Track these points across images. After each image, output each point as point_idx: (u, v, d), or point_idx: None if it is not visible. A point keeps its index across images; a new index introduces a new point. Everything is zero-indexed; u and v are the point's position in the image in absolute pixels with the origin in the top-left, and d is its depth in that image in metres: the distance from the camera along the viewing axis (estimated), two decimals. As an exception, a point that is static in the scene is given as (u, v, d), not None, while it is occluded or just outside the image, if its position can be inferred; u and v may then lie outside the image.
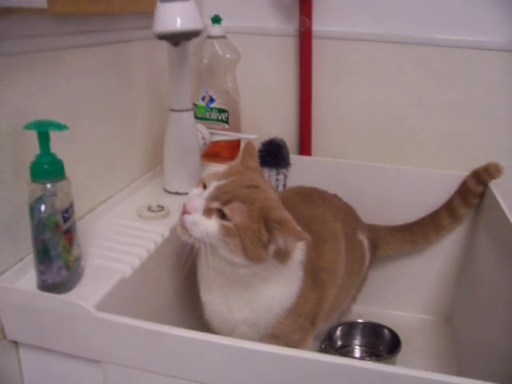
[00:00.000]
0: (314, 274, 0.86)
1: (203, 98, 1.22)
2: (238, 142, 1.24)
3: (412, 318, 1.30)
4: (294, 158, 1.30)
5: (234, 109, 1.23)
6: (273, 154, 1.25)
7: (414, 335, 1.21)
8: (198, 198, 0.74)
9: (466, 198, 1.17)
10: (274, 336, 0.83)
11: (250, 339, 0.82)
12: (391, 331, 1.13)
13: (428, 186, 1.23)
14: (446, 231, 1.21)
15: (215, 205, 0.73)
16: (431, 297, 1.30)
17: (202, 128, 1.09)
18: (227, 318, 0.81)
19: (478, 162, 1.18)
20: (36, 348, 0.66)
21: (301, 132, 1.33)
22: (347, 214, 1.11)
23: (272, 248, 0.74)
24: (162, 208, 0.91)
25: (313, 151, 1.35)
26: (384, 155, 1.32)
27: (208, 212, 0.73)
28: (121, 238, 0.82)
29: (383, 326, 1.15)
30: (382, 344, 1.14)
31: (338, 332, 1.15)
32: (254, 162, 0.85)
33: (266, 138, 1.26)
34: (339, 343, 1.16)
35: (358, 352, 1.16)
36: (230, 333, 0.83)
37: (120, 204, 0.94)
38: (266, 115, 1.36)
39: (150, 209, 0.91)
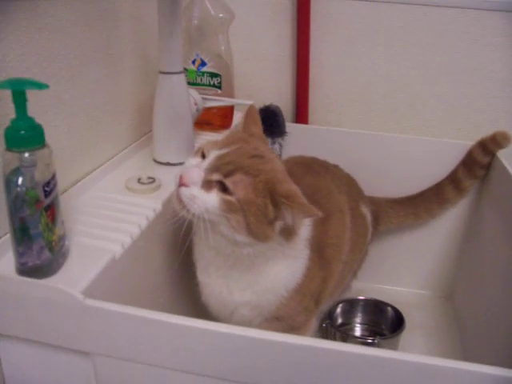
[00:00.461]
0: (319, 251, 0.80)
1: (194, 62, 1.12)
2: (231, 109, 1.16)
3: (412, 294, 1.25)
4: (290, 127, 1.23)
5: (227, 73, 1.14)
6: (268, 122, 1.18)
7: (415, 312, 1.17)
8: (196, 169, 0.66)
9: (472, 170, 1.12)
10: (278, 318, 0.77)
11: (250, 322, 0.77)
12: (394, 308, 1.09)
13: (431, 156, 1.17)
14: (450, 204, 1.16)
15: (216, 177, 0.65)
16: (432, 272, 1.25)
17: (193, 93, 1.00)
18: (227, 301, 0.74)
19: (485, 132, 1.13)
20: (17, 339, 0.58)
21: (297, 99, 1.25)
22: (350, 185, 1.04)
23: (278, 225, 0.67)
24: (152, 180, 0.83)
25: (310, 119, 1.27)
26: (385, 124, 1.25)
27: (207, 185, 0.65)
28: (109, 213, 0.74)
29: (385, 304, 1.10)
30: (385, 322, 1.09)
31: (339, 309, 1.10)
32: (258, 128, 0.77)
33: (260, 104, 1.19)
34: (339, 321, 1.11)
35: (358, 330, 1.12)
36: (229, 316, 0.77)
37: (106, 176, 0.86)
38: (261, 81, 1.28)
39: (139, 181, 0.83)
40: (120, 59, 0.91)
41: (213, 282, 0.75)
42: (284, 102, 1.26)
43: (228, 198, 0.64)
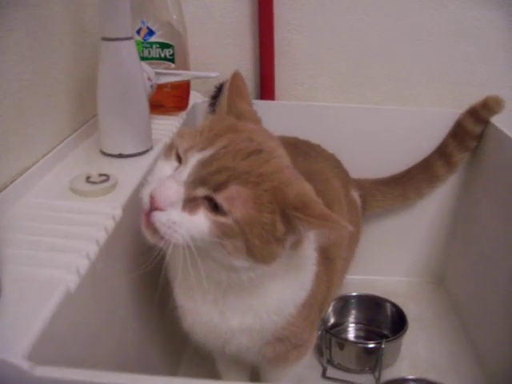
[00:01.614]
0: (323, 250, 0.65)
1: (138, 32, 0.93)
2: (187, 87, 0.98)
3: (400, 283, 1.14)
4: (255, 104, 1.05)
5: (180, 45, 0.95)
6: (229, 99, 1.01)
7: (408, 302, 1.06)
8: (172, 184, 0.48)
9: (463, 141, 1.00)
10: (281, 339, 0.62)
11: (248, 349, 0.61)
12: (392, 304, 0.96)
13: (415, 128, 1.06)
14: (440, 182, 1.04)
15: (202, 192, 0.48)
16: (420, 257, 1.15)
17: (145, 66, 0.81)
18: (220, 329, 0.58)
19: (470, 98, 1.02)
20: None
21: (261, 72, 1.09)
22: (338, 168, 0.89)
23: (290, 240, 0.51)
24: (106, 177, 0.65)
25: (276, 95, 1.11)
26: (361, 95, 1.11)
27: (191, 204, 0.48)
28: (53, 226, 0.55)
29: (383, 299, 0.97)
30: (383, 320, 0.96)
31: (330, 308, 0.96)
32: (246, 103, 0.60)
33: (218, 80, 1.02)
34: (332, 321, 0.97)
35: (352, 331, 0.98)
36: (221, 345, 0.60)
37: (44, 177, 0.66)
38: (218, 53, 1.10)
39: (89, 180, 0.64)
40: (49, 30, 0.70)
41: (200, 308, 0.58)
42: (246, 76, 1.08)
43: (221, 219, 0.48)
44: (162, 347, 0.75)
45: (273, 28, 1.05)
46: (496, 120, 0.97)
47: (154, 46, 0.93)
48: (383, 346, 0.83)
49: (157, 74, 0.84)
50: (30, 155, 0.67)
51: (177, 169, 0.51)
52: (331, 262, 0.69)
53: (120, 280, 0.59)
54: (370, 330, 0.97)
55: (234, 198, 0.47)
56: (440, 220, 1.11)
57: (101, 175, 0.64)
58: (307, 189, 0.51)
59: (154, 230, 0.48)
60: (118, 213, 0.59)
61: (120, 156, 0.74)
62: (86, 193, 0.62)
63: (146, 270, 0.51)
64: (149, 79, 0.79)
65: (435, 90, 1.09)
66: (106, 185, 0.63)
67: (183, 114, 0.97)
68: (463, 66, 1.07)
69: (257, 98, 1.10)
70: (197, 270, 0.50)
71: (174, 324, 0.63)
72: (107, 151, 0.75)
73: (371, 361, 0.87)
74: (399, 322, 0.92)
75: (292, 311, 0.59)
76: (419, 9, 1.03)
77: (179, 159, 0.51)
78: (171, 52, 0.93)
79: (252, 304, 0.56)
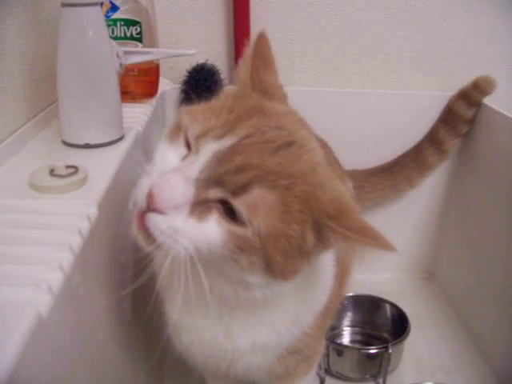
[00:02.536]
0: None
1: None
2: (156, 72, 0.87)
3: (390, 280, 1.07)
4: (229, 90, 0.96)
5: (148, 22, 0.84)
6: (204, 84, 0.92)
7: (401, 300, 0.98)
8: (178, 181, 0.38)
9: (455, 127, 0.95)
10: (294, 352, 0.53)
11: (259, 369, 0.52)
12: (391, 304, 0.89)
13: (403, 112, 1.00)
14: (432, 170, 0.99)
15: (216, 194, 0.38)
16: (409, 251, 1.08)
17: (111, 42, 0.70)
18: (225, 349, 0.48)
19: (456, 79, 0.98)
20: None
21: (236, 54, 0.99)
22: (333, 156, 0.81)
23: (317, 253, 0.42)
24: (74, 169, 0.53)
25: (253, 80, 1.01)
26: (344, 78, 1.03)
27: (200, 207, 0.38)
28: (13, 232, 0.43)
29: (380, 299, 0.90)
30: (381, 322, 0.89)
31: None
32: (273, 75, 0.49)
33: (187, 65, 0.93)
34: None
35: (347, 335, 0.90)
36: (225, 368, 0.50)
37: (-6, 172, 0.54)
38: (187, 35, 0.99)
39: (53, 173, 0.52)
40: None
41: (200, 326, 0.48)
42: (219, 59, 0.99)
43: (238, 231, 0.38)
44: (144, 367, 0.65)
45: (248, 6, 0.95)
46: (486, 100, 0.92)
47: (119, 23, 0.81)
48: (390, 350, 0.75)
49: (126, 53, 0.72)
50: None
51: (185, 158, 0.40)
52: (342, 263, 0.60)
53: (99, 297, 0.48)
54: (366, 334, 0.89)
55: (258, 205, 0.37)
56: (430, 212, 1.05)
57: (68, 167, 0.53)
58: (343, 192, 0.41)
59: (149, 235, 0.38)
60: (93, 212, 0.48)
61: (87, 146, 0.62)
62: (51, 189, 0.50)
63: (136, 285, 0.40)
64: (117, 56, 0.68)
65: (424, 73, 1.03)
66: (74, 178, 0.52)
67: (152, 102, 0.86)
68: (455, 47, 1.01)
69: (230, 84, 1.00)
70: (198, 283, 0.39)
71: (160, 343, 0.52)
72: (70, 141, 0.63)
73: (374, 367, 0.79)
74: (399, 324, 0.84)
75: (310, 321, 0.50)
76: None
77: (188, 145, 0.41)
78: (138, 30, 0.82)
79: (266, 318, 0.47)
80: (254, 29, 0.97)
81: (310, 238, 0.39)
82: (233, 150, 0.38)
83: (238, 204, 0.37)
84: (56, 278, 0.38)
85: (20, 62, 0.65)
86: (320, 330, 0.54)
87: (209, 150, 0.39)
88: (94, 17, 0.59)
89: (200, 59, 0.94)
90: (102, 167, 0.57)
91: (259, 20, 0.97)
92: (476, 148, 0.95)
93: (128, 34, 0.82)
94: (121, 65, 0.69)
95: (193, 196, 0.37)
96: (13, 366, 0.29)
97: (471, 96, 0.93)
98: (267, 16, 0.97)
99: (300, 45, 1.00)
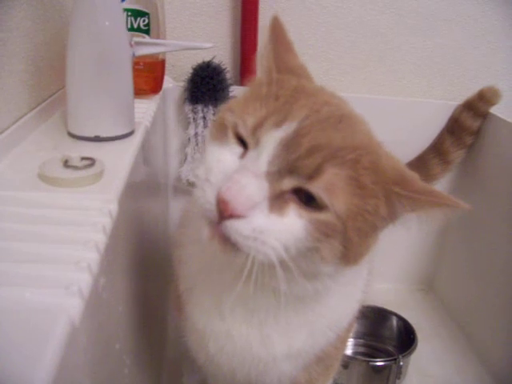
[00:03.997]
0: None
1: (105, -5, 0.77)
2: (162, 67, 0.83)
3: (389, 291, 1.05)
4: (235, 90, 0.93)
5: (156, 14, 0.80)
6: (209, 83, 0.89)
7: (400, 312, 0.96)
8: (249, 178, 0.35)
9: (461, 138, 0.94)
10: (320, 359, 0.50)
11: (284, 379, 0.48)
12: (397, 316, 0.86)
13: (407, 120, 0.98)
14: (436, 181, 0.96)
15: (290, 183, 0.36)
16: (408, 262, 1.07)
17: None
18: (258, 357, 0.45)
19: (462, 88, 0.99)
20: None
21: (242, 54, 0.96)
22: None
23: (384, 227, 0.40)
24: (91, 162, 0.49)
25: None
26: (350, 83, 1.01)
27: (278, 202, 0.36)
28: (28, 227, 0.39)
29: (387, 311, 0.87)
30: (386, 334, 0.86)
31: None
32: (294, 55, 0.47)
33: (193, 62, 0.90)
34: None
35: (350, 347, 0.87)
36: (253, 377, 0.46)
37: None
38: (192, 33, 0.95)
39: (67, 164, 0.48)
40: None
41: (234, 331, 0.44)
42: (225, 58, 0.96)
43: (321, 216, 0.35)
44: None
45: (258, 6, 0.92)
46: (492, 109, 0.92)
47: (126, 13, 0.77)
48: (401, 362, 0.73)
49: (136, 43, 0.68)
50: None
51: (243, 156, 0.38)
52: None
53: (118, 302, 0.44)
54: (369, 345, 0.86)
55: (334, 184, 0.35)
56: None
57: (83, 159, 0.48)
58: (399, 159, 0.41)
59: (226, 244, 0.35)
60: (114, 208, 0.44)
61: (96, 139, 0.58)
62: (65, 181, 0.46)
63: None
64: (131, 45, 0.64)
65: (431, 81, 1.02)
66: (91, 171, 0.47)
67: (156, 98, 0.83)
68: (461, 56, 1.00)
69: (236, 84, 0.96)
70: (263, 285, 0.37)
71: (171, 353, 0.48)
72: (78, 133, 0.59)
73: (380, 381, 0.76)
74: (405, 336, 0.82)
75: (345, 323, 0.48)
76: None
77: (242, 142, 0.38)
78: (146, 21, 0.78)
79: (307, 320, 0.45)
80: (262, 29, 0.94)
81: (384, 210, 0.38)
82: (298, 134, 0.36)
83: (315, 188, 0.35)
84: (85, 280, 0.34)
85: (25, 46, 0.60)
86: (348, 334, 0.52)
87: (272, 139, 0.36)
88: (111, 1, 0.55)
89: (206, 57, 0.91)
90: (116, 161, 0.53)
91: (266, 21, 0.94)
92: (479, 158, 0.94)
93: (135, 26, 0.78)
94: (133, 54, 0.65)
95: (268, 190, 0.35)
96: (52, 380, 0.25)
97: (477, 107, 0.92)
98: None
99: (309, 48, 0.98)
